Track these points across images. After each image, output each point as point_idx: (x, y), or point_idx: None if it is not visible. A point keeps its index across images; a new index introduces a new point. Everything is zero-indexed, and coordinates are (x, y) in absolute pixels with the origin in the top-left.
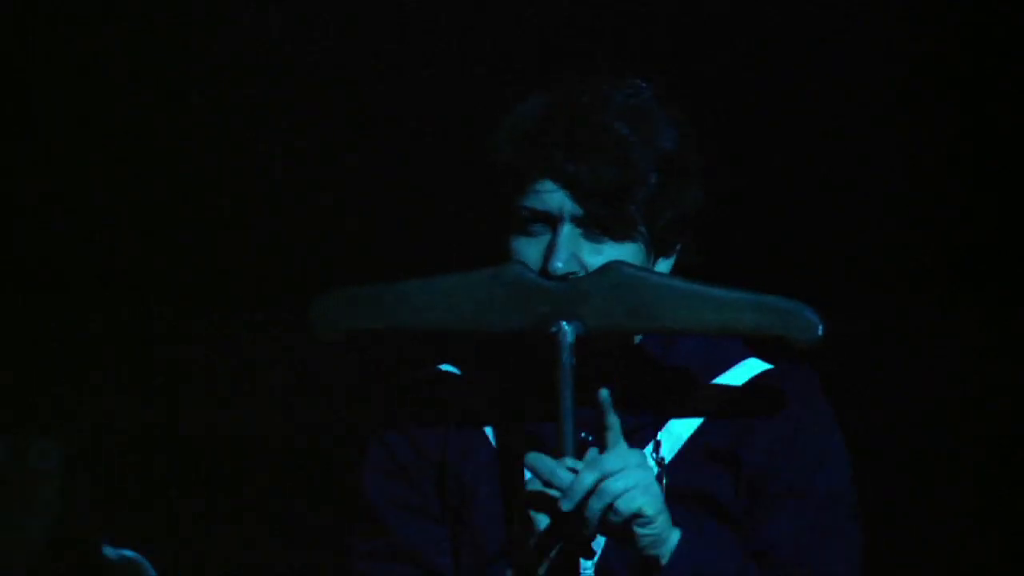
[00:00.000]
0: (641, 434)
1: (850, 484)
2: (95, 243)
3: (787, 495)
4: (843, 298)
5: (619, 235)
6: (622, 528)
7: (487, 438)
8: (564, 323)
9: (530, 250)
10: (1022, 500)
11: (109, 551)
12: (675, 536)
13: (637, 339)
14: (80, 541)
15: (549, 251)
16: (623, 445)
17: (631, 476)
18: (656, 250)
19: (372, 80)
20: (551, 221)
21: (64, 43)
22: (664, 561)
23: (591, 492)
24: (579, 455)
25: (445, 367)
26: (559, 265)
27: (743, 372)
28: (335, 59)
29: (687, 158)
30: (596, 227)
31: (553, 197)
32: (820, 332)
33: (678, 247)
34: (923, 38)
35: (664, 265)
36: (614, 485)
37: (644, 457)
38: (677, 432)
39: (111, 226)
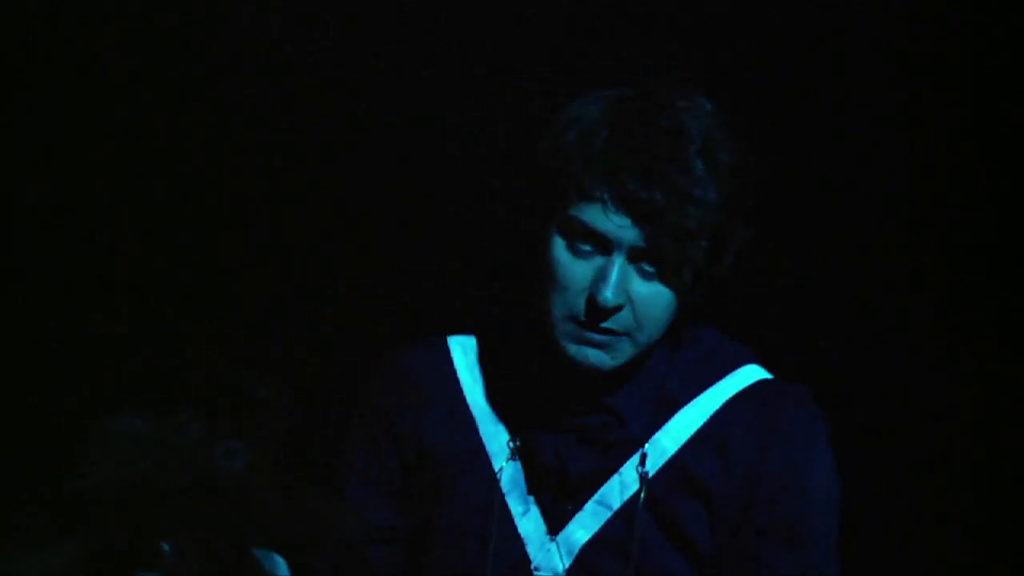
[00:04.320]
0: (629, 445)
1: (831, 519)
2: (98, 244)
3: (762, 535)
4: (842, 297)
5: (672, 275)
6: None
7: (475, 426)
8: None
9: (577, 270)
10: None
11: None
12: None
13: (640, 346)
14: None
15: (600, 280)
16: None
17: None
18: (702, 277)
19: (372, 80)
20: (606, 246)
21: (64, 43)
22: None
23: None
24: (556, 461)
25: (452, 342)
26: (609, 296)
27: (740, 379)
28: (335, 59)
29: (748, 194)
30: (650, 261)
31: (616, 225)
32: None
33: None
34: (924, 38)
35: (700, 290)
36: None
37: None
38: (663, 446)
39: (112, 226)
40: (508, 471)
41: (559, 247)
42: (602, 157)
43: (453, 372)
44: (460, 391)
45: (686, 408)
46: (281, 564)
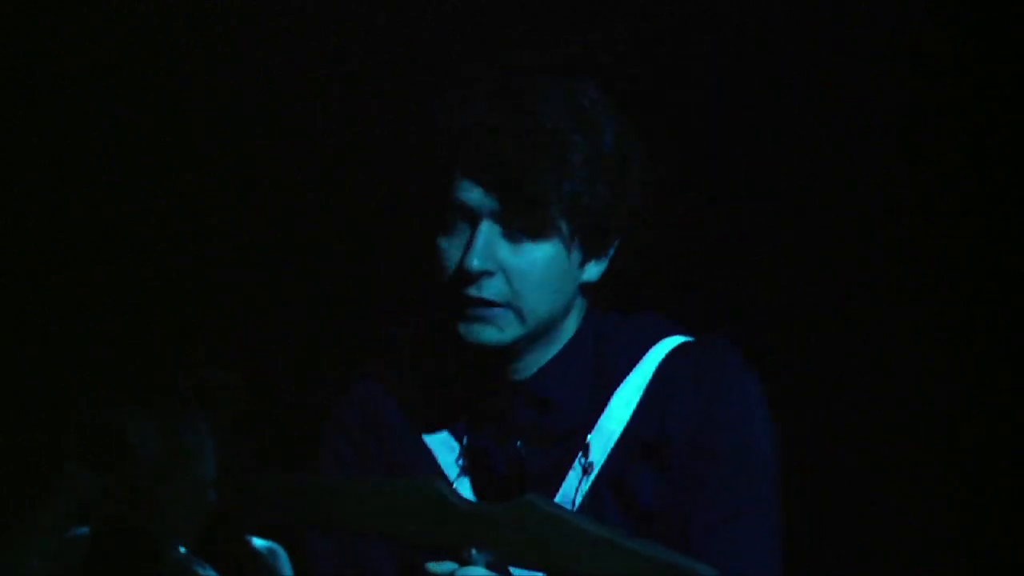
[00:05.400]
0: (572, 438)
1: (772, 464)
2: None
3: (705, 479)
4: (840, 297)
5: (536, 234)
6: None
7: (430, 452)
8: (475, 550)
9: (451, 249)
10: (1018, 502)
11: (255, 540)
12: None
13: (563, 341)
14: (229, 527)
15: (466, 249)
16: None
17: None
18: (584, 252)
19: (371, 80)
20: (472, 218)
21: (64, 43)
22: None
23: None
24: (511, 467)
25: (395, 374)
26: (474, 263)
27: (664, 347)
28: (335, 59)
29: (623, 158)
30: (514, 226)
31: (474, 193)
32: None
33: (611, 251)
34: (924, 37)
35: (594, 270)
36: None
37: None
38: (609, 429)
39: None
40: (465, 490)
41: (438, 234)
42: (461, 132)
43: (407, 400)
44: (416, 420)
45: (622, 387)
46: (283, 556)
